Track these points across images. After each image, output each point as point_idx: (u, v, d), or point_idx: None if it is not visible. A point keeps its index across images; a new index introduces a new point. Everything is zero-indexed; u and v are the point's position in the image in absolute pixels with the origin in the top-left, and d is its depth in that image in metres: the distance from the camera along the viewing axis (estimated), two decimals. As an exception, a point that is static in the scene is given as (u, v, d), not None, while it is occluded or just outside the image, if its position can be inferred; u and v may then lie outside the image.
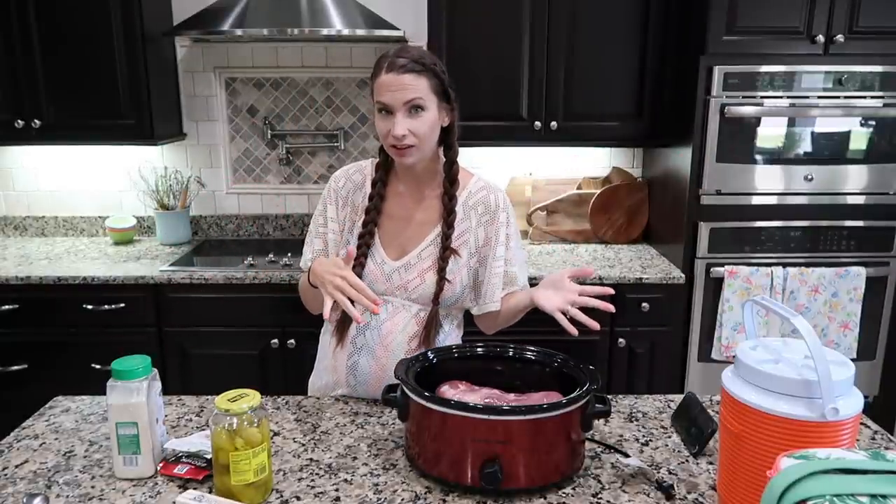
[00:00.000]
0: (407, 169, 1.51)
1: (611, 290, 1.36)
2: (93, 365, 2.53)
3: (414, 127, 1.39)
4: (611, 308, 1.34)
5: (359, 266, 1.48)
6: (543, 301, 1.38)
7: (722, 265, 2.53)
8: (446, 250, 1.48)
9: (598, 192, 2.98)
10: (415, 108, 1.39)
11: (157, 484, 1.19)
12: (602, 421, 1.40)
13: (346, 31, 2.51)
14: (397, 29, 2.60)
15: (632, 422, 1.41)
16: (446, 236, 1.48)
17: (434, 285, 1.49)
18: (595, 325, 1.31)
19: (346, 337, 1.52)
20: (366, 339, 1.51)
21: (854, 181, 2.50)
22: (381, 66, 1.40)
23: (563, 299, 1.36)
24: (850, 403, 0.94)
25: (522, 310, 1.51)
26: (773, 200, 2.52)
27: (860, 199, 2.52)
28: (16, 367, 2.56)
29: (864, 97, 2.44)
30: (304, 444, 1.32)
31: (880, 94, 2.43)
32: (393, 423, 1.40)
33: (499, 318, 1.57)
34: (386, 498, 1.15)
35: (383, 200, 1.53)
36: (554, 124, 2.70)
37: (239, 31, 2.49)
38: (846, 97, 2.43)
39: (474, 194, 1.54)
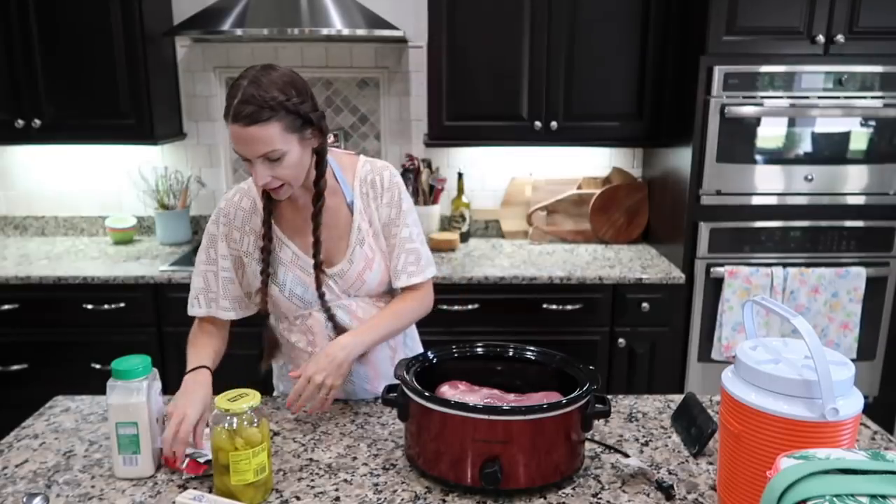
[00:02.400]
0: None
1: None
2: (93, 365, 2.54)
3: (276, 172, 1.31)
4: None
5: (262, 286, 1.45)
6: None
7: (722, 265, 2.53)
8: (317, 267, 1.43)
9: (599, 192, 2.98)
10: (271, 157, 1.30)
11: (156, 484, 1.19)
12: (602, 421, 1.40)
13: (346, 31, 2.51)
14: (397, 29, 2.59)
15: (632, 422, 1.41)
16: (316, 252, 1.42)
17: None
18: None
19: (276, 355, 1.60)
20: None
21: (854, 181, 2.50)
22: (227, 111, 1.27)
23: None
24: (850, 404, 0.94)
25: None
26: (773, 201, 2.52)
27: (860, 200, 2.52)
28: (16, 367, 2.56)
29: (864, 97, 2.43)
30: (304, 444, 1.33)
31: (880, 94, 2.43)
32: (393, 423, 1.40)
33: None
34: (386, 498, 1.15)
35: (279, 212, 1.46)
36: (554, 124, 2.70)
37: (239, 31, 2.49)
38: (846, 97, 2.43)
39: (364, 179, 1.49)
